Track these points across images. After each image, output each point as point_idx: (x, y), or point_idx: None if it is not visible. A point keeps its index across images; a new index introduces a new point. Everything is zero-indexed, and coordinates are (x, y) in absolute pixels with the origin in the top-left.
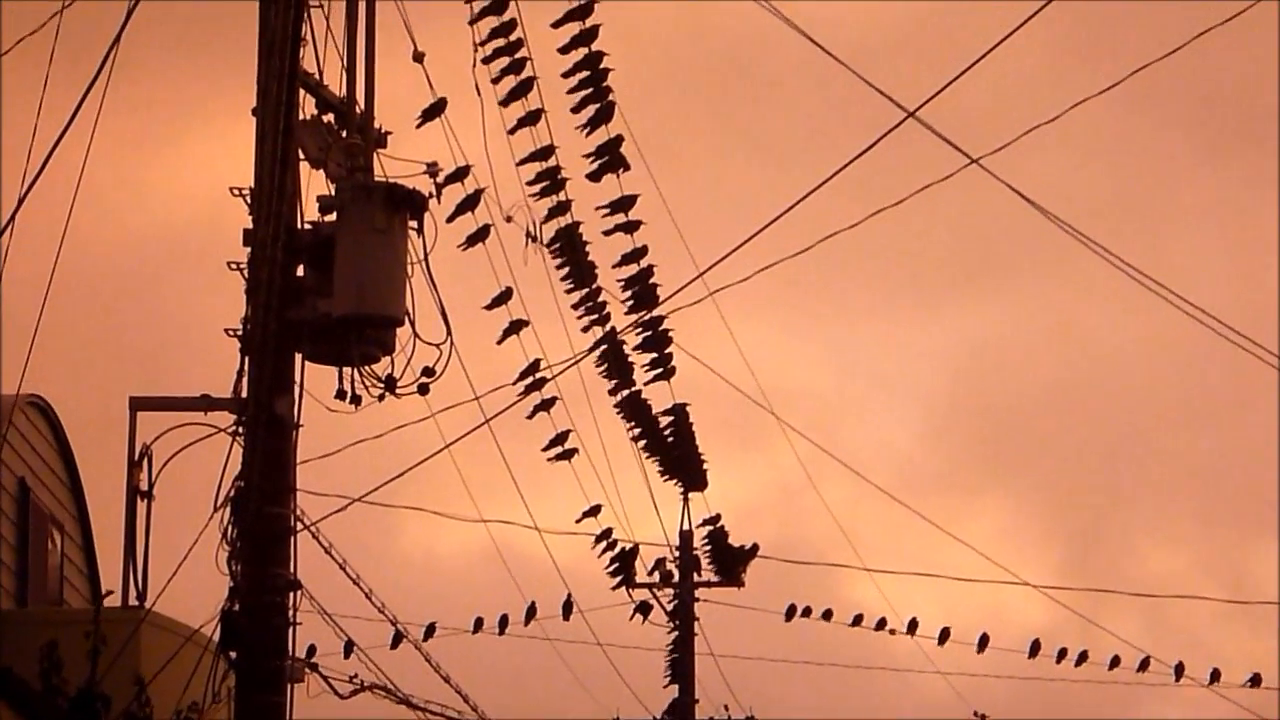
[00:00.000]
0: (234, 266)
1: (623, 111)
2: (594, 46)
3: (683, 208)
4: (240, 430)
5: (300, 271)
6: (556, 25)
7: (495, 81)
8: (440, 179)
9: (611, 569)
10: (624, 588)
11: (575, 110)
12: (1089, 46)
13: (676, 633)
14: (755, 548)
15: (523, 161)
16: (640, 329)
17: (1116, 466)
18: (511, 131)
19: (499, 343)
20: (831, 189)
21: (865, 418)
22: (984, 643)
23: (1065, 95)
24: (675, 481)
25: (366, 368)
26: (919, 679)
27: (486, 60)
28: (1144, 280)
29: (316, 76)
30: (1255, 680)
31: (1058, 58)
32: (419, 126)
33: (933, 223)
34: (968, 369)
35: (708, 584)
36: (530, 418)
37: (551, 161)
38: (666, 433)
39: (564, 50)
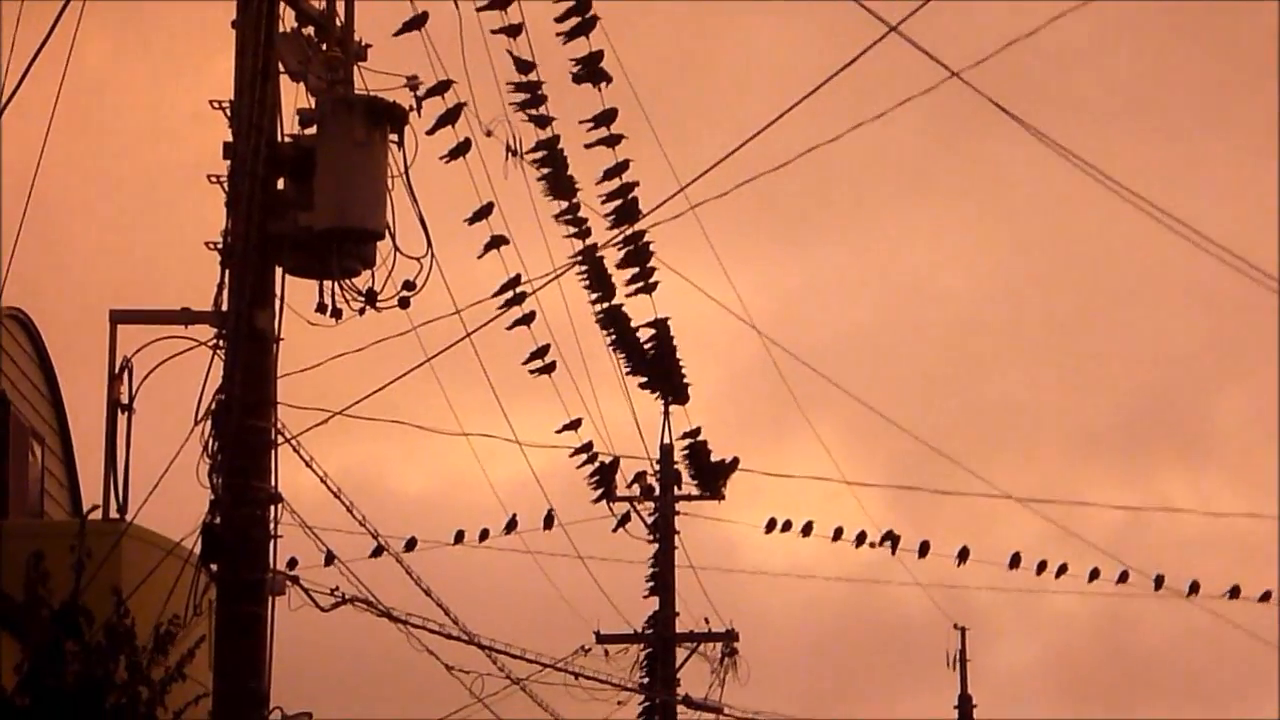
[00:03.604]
0: (214, 179)
1: (604, 27)
2: None
3: (665, 122)
4: (221, 343)
5: (281, 185)
6: None
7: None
8: (421, 92)
9: (592, 482)
10: (605, 501)
11: (560, 24)
12: None
13: (657, 545)
14: (736, 461)
15: (515, 77)
16: (622, 243)
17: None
18: (494, 33)
19: (479, 257)
20: (814, 103)
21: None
22: (964, 555)
23: (1047, 9)
24: (656, 395)
25: (347, 281)
26: (899, 591)
27: None
28: (1122, 192)
29: None
30: (1235, 592)
31: None
32: (397, 34)
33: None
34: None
35: (688, 497)
36: (510, 329)
37: (532, 76)
38: (648, 346)
39: None
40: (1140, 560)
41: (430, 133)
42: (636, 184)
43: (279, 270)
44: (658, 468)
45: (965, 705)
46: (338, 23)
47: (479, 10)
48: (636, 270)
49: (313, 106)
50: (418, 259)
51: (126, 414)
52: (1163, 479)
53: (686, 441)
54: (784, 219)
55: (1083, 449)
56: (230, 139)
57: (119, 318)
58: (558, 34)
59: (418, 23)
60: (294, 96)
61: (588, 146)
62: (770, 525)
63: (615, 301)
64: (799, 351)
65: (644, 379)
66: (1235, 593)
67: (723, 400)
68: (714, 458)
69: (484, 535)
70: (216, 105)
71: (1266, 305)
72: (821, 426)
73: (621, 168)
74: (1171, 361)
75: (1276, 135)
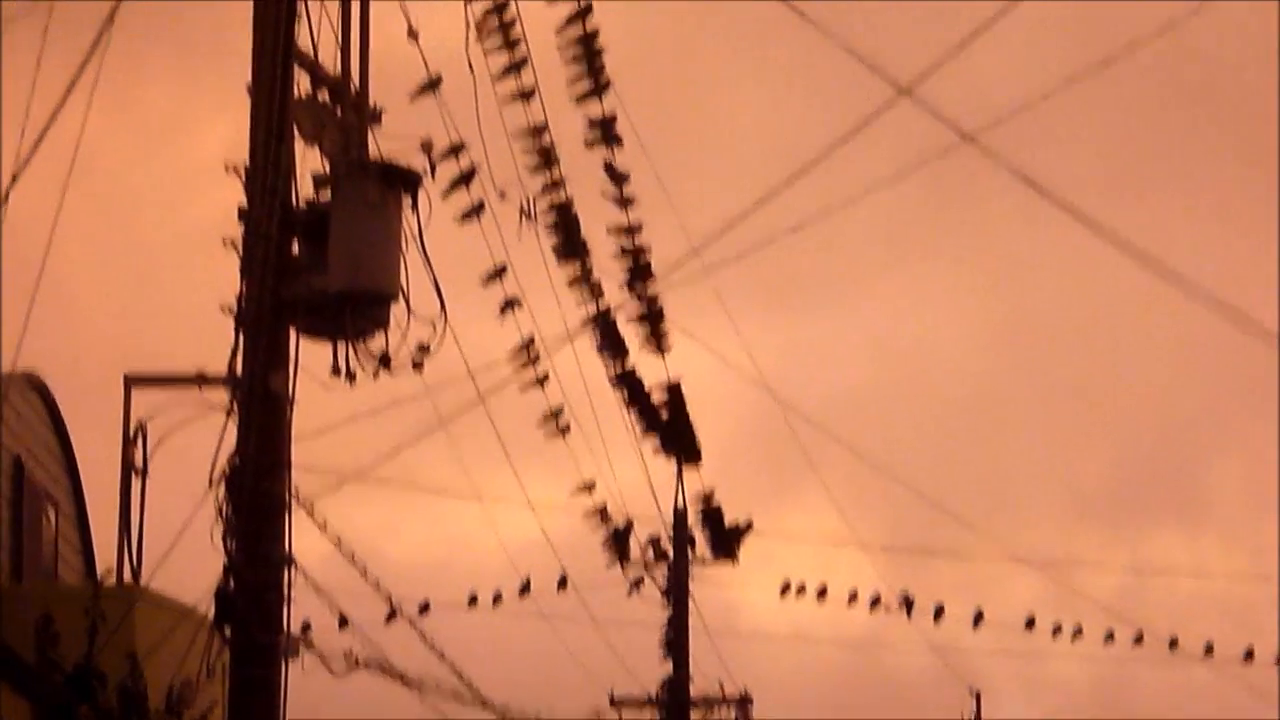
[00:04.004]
0: (229, 243)
1: (616, 88)
2: (589, 23)
3: (678, 183)
4: (235, 406)
5: (295, 248)
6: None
7: (499, 80)
8: (435, 155)
9: (607, 545)
10: (619, 564)
11: (573, 90)
12: (1079, 28)
13: (671, 609)
14: (750, 525)
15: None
16: (635, 305)
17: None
18: (508, 99)
19: (500, 316)
20: (827, 166)
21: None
22: (979, 619)
23: (1056, 74)
24: (670, 457)
25: (361, 343)
26: (912, 655)
27: (481, 40)
28: (1143, 257)
29: (311, 54)
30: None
31: (1048, 38)
32: (412, 100)
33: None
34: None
35: (702, 561)
36: (524, 391)
37: (546, 139)
38: (661, 409)
39: (559, 29)
40: (1138, 623)
41: (445, 196)
42: (649, 247)
43: (293, 333)
44: (671, 531)
45: None
46: (352, 87)
47: (495, 80)
48: (649, 331)
49: (327, 170)
50: (432, 321)
51: (141, 477)
52: (1159, 542)
53: (700, 504)
54: (781, 282)
55: (1079, 512)
56: (245, 202)
57: (133, 381)
58: (573, 99)
59: (432, 86)
60: (308, 160)
61: (603, 194)
62: (785, 588)
63: (629, 364)
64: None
65: (658, 443)
66: (1249, 655)
67: (722, 460)
68: (724, 519)
69: (498, 598)
70: (231, 169)
71: (1263, 363)
72: (817, 488)
73: (634, 229)
74: (1169, 424)
75: (1276, 200)
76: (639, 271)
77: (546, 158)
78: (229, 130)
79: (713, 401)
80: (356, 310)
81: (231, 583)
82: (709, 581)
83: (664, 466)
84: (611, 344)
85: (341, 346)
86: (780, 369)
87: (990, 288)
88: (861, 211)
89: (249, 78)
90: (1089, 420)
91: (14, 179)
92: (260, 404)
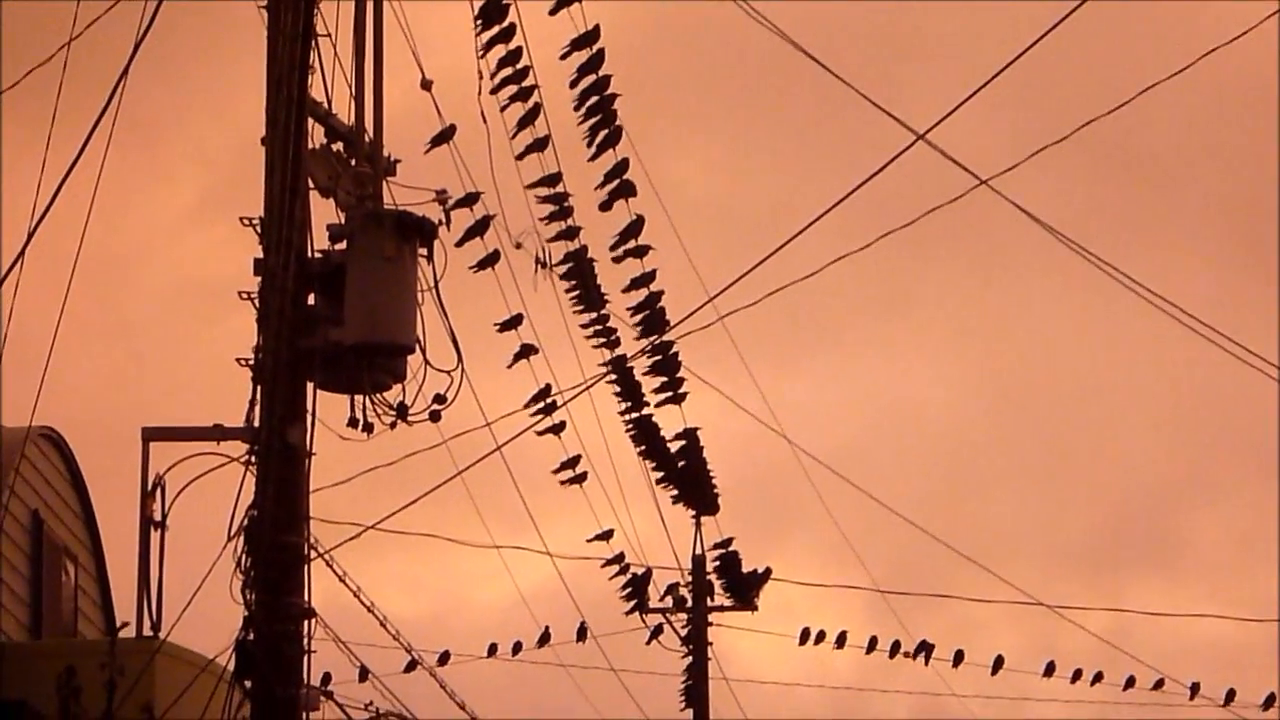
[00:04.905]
0: (245, 296)
1: (630, 136)
2: (600, 71)
3: (691, 231)
4: (253, 459)
5: (311, 300)
6: (564, 58)
7: (503, 110)
8: (449, 205)
9: (625, 594)
10: (638, 613)
11: (588, 143)
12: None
13: (691, 657)
14: (768, 571)
15: (531, 186)
16: (650, 354)
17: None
18: (519, 157)
19: (509, 367)
20: (843, 211)
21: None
22: (998, 664)
23: (1072, 118)
24: (687, 505)
25: (378, 395)
26: (935, 701)
27: (495, 91)
28: (1156, 300)
29: (325, 105)
30: (1269, 701)
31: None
32: (427, 153)
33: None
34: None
35: (721, 608)
36: (541, 435)
37: (560, 187)
38: (678, 457)
39: (573, 84)
40: (1139, 668)
41: (459, 244)
42: (662, 293)
43: (310, 385)
44: (690, 579)
45: None
46: (366, 138)
47: (512, 138)
48: (665, 380)
49: (342, 221)
50: (448, 372)
51: (159, 531)
52: (1143, 592)
53: (718, 552)
54: (774, 333)
55: (1066, 558)
56: (260, 255)
57: (151, 435)
58: (588, 159)
59: (445, 137)
60: (323, 212)
61: (615, 261)
62: (804, 636)
63: (645, 412)
64: (786, 462)
65: (675, 492)
66: (1270, 701)
67: (727, 503)
68: (741, 566)
69: (517, 648)
70: (246, 222)
71: (1253, 410)
72: (812, 534)
73: (648, 278)
74: (1156, 475)
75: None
76: (652, 319)
77: (561, 206)
78: (246, 182)
79: (720, 446)
80: (373, 363)
81: (251, 635)
82: (726, 627)
83: (679, 511)
84: (627, 392)
85: (358, 398)
86: (778, 416)
87: (983, 337)
88: (859, 262)
89: (263, 131)
90: (1078, 466)
91: (30, 235)
92: (278, 456)
